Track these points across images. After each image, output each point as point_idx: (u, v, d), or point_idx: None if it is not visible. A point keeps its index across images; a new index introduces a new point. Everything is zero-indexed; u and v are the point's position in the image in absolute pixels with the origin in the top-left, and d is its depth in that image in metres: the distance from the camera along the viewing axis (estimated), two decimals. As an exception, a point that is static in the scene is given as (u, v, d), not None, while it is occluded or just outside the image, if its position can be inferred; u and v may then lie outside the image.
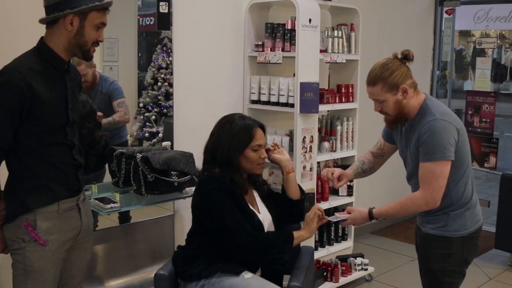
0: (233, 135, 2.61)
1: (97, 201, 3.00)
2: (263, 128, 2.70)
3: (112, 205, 2.98)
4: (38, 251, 2.20)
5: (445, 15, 6.02)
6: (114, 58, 3.57)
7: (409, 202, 2.51)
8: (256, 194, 2.77)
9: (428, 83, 6.14)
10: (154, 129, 3.74)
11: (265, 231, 2.64)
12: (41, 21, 2.19)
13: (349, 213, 2.72)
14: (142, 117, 3.73)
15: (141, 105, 3.72)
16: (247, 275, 2.50)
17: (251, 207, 2.65)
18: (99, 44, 2.25)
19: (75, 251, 2.39)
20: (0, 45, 2.85)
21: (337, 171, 2.88)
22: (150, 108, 3.73)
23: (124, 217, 3.53)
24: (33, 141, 2.16)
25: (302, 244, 2.97)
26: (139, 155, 3.11)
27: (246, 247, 2.50)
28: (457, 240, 2.56)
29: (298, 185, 2.86)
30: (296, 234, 2.65)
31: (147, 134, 3.74)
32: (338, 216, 2.84)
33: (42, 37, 2.22)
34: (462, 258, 2.60)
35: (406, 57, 2.55)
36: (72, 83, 2.29)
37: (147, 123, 3.73)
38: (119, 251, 3.52)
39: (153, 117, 3.73)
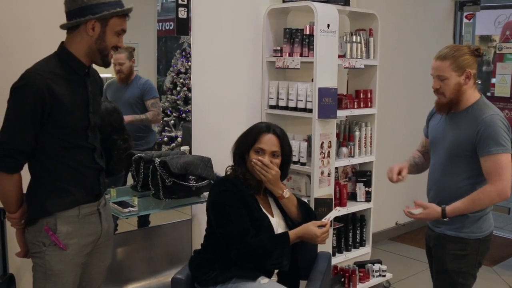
0: (243, 135, 2.72)
1: (115, 205, 3.03)
2: (278, 136, 2.68)
3: (130, 209, 3.01)
4: (58, 255, 2.21)
5: (465, 20, 5.97)
6: (134, 63, 3.60)
7: (481, 196, 2.52)
8: (271, 199, 2.77)
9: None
10: (173, 134, 3.75)
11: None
12: (62, 26, 2.21)
13: (420, 206, 2.64)
14: (161, 121, 3.76)
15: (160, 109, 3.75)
16: (263, 280, 2.49)
17: (263, 209, 2.65)
18: (117, 49, 2.27)
19: (95, 255, 2.40)
20: (20, 50, 2.90)
21: (397, 167, 2.85)
22: (169, 112, 3.75)
23: (143, 221, 3.56)
24: (54, 144, 2.18)
25: (319, 249, 2.97)
26: (157, 160, 3.13)
27: (243, 257, 2.50)
28: (473, 241, 2.61)
29: (304, 204, 2.80)
30: (291, 236, 2.57)
31: (166, 139, 3.76)
32: (336, 209, 2.86)
33: (62, 42, 2.25)
34: (476, 260, 2.64)
35: (478, 51, 2.63)
36: (93, 87, 2.31)
37: (166, 128, 3.75)
38: (137, 255, 3.54)
39: (172, 121, 3.75)
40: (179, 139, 3.76)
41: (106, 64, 2.28)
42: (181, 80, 3.72)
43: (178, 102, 3.73)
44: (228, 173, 2.73)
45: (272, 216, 2.68)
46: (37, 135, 2.15)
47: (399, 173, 2.83)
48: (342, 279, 4.06)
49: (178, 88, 3.73)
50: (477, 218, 2.60)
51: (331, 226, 3.80)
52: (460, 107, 2.63)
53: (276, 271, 2.66)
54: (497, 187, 2.49)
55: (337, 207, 2.94)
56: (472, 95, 2.62)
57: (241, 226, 2.51)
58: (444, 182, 2.67)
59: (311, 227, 2.58)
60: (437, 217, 2.59)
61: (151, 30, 3.71)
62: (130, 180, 3.38)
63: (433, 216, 2.60)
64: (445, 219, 2.58)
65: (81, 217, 2.26)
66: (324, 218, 2.66)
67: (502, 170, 2.48)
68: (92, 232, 2.33)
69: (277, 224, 2.66)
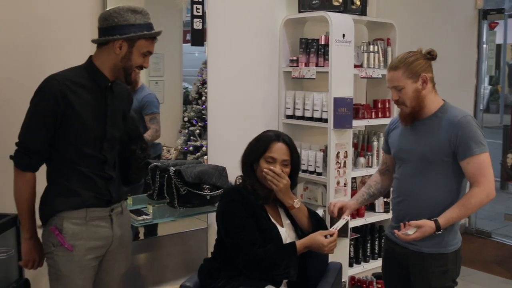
0: (252, 144, 2.70)
1: (130, 213, 3.08)
2: (288, 144, 2.67)
3: (144, 217, 3.06)
4: (65, 256, 2.29)
5: (488, 29, 5.88)
6: (159, 73, 3.67)
7: (471, 200, 2.44)
8: (281, 210, 2.76)
9: (471, 98, 5.92)
10: (198, 143, 3.79)
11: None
12: (93, 41, 2.36)
13: (414, 226, 2.49)
14: (186, 131, 3.80)
15: (185, 119, 3.80)
16: (270, 289, 2.50)
17: (272, 219, 2.65)
18: (142, 68, 2.38)
19: (109, 262, 2.46)
20: (53, 62, 2.97)
21: (339, 203, 2.81)
22: (194, 122, 3.80)
23: (149, 230, 3.57)
24: (68, 149, 2.28)
25: (332, 259, 2.95)
26: (172, 169, 3.17)
27: (250, 267, 2.50)
28: (451, 255, 2.56)
29: (315, 214, 2.77)
30: (299, 246, 2.56)
31: (191, 148, 3.80)
32: (343, 218, 2.75)
33: (90, 56, 2.38)
34: (456, 273, 2.60)
35: (430, 53, 2.59)
36: (116, 101, 2.40)
37: (191, 137, 3.80)
38: (154, 262, 3.58)
39: (197, 131, 3.79)
40: (204, 148, 3.79)
41: (128, 82, 2.40)
42: (206, 90, 3.76)
43: (203, 112, 3.78)
44: (238, 183, 2.75)
45: (281, 226, 2.67)
46: (53, 138, 2.26)
47: (341, 210, 2.77)
48: (359, 290, 4.04)
49: (203, 98, 3.77)
50: (452, 229, 2.53)
51: (346, 236, 3.78)
52: (425, 114, 2.56)
53: (285, 281, 2.67)
54: (485, 188, 2.42)
55: (344, 216, 2.89)
56: (435, 99, 2.57)
57: (249, 236, 2.51)
58: (419, 192, 2.56)
59: (318, 236, 2.55)
60: (431, 232, 2.44)
61: (177, 40, 3.76)
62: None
63: (428, 232, 2.45)
64: (438, 232, 2.45)
65: (89, 219, 2.33)
66: (332, 227, 2.65)
67: (486, 170, 2.44)
68: (102, 236, 2.38)
69: (287, 234, 2.66)
